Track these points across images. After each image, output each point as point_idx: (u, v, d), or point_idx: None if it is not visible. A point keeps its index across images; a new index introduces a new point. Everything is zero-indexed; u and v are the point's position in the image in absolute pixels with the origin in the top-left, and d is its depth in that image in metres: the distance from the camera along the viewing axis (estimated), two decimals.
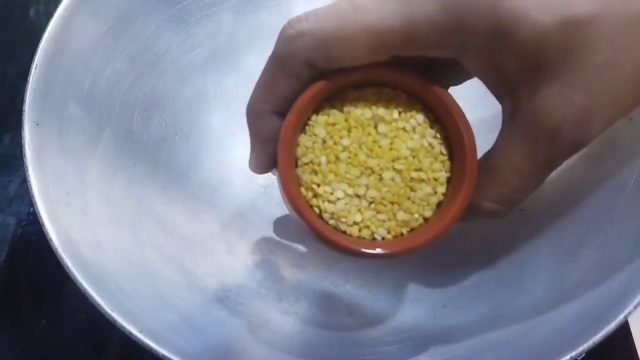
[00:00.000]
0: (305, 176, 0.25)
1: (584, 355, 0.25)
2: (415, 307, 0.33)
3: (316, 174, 0.25)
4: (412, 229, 0.26)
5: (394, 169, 0.25)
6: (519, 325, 0.29)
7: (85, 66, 0.32)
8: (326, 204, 0.25)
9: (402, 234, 0.26)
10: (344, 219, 0.25)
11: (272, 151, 0.26)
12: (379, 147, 0.25)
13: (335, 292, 0.35)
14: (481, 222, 0.27)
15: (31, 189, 0.28)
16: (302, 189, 0.25)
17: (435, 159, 0.26)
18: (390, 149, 0.25)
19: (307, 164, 0.25)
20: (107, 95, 0.34)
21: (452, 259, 0.34)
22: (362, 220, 0.25)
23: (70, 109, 0.31)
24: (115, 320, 0.25)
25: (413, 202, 0.25)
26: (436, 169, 0.26)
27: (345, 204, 0.25)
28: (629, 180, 0.30)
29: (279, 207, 0.37)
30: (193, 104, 0.38)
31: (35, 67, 0.30)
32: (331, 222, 0.25)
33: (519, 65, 0.23)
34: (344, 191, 0.25)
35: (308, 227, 0.25)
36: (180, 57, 0.37)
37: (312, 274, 0.35)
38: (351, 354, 0.30)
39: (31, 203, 0.28)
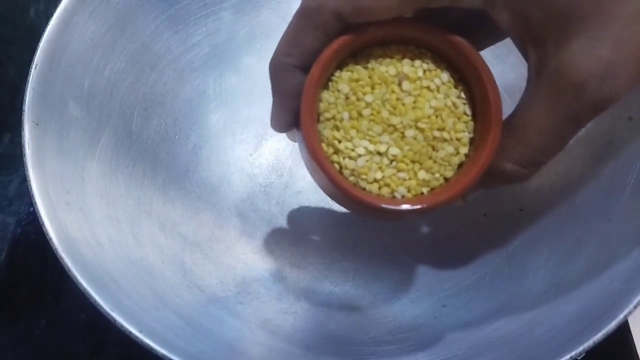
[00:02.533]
0: (327, 132, 0.25)
1: (584, 355, 0.25)
2: (415, 307, 0.33)
3: (338, 130, 0.25)
4: (432, 189, 0.25)
5: (417, 128, 0.25)
6: (518, 324, 0.29)
7: (84, 66, 0.32)
8: (347, 160, 0.25)
9: (422, 194, 0.25)
10: (364, 176, 0.25)
11: (294, 107, 0.25)
12: (403, 105, 0.25)
13: (335, 291, 0.35)
14: (502, 188, 0.26)
15: (31, 188, 0.28)
16: (324, 145, 0.25)
17: (459, 118, 0.25)
18: (414, 107, 0.25)
19: (329, 119, 0.25)
20: (107, 95, 0.34)
21: (452, 259, 0.34)
22: (383, 178, 0.25)
23: (70, 108, 0.31)
24: (115, 320, 0.25)
25: (434, 162, 0.25)
26: (459, 129, 0.25)
27: (366, 160, 0.25)
28: (629, 180, 0.30)
29: (279, 207, 0.37)
30: (193, 104, 0.38)
31: (35, 67, 0.30)
32: (351, 178, 0.25)
33: (547, 15, 0.23)
34: (366, 148, 0.25)
35: (329, 182, 0.24)
36: (179, 57, 0.37)
37: (312, 274, 0.35)
38: (351, 354, 0.30)
39: (31, 203, 0.28)
